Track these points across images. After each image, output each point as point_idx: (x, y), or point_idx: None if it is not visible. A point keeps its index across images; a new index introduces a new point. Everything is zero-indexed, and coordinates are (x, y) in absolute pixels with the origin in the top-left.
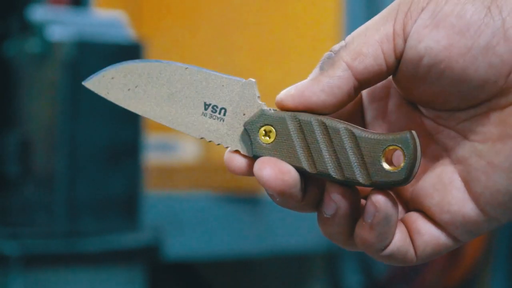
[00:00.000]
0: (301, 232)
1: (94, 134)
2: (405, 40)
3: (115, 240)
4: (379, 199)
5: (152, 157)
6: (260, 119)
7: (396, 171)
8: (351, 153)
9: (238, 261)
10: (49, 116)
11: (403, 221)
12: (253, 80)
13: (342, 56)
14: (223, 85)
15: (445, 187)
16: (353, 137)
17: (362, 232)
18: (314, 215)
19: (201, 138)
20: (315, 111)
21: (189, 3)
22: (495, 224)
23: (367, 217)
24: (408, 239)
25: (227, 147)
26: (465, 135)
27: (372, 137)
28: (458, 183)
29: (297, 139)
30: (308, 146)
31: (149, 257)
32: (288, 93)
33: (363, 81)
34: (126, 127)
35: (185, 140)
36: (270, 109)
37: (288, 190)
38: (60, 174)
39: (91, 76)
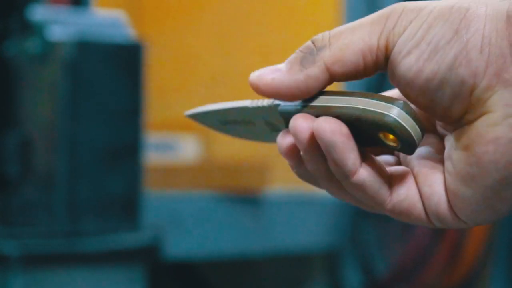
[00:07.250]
0: (301, 232)
1: (94, 134)
2: (386, 59)
3: (115, 240)
4: (322, 127)
5: (152, 157)
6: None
7: (394, 146)
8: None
9: (238, 261)
10: (49, 116)
11: (391, 170)
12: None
13: (324, 57)
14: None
15: (435, 166)
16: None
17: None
18: (314, 216)
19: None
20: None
21: (189, 3)
22: (463, 225)
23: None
24: (380, 179)
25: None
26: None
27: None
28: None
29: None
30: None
31: (149, 257)
32: (264, 81)
33: (337, 80)
34: (126, 127)
35: (185, 140)
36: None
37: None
38: (60, 174)
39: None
